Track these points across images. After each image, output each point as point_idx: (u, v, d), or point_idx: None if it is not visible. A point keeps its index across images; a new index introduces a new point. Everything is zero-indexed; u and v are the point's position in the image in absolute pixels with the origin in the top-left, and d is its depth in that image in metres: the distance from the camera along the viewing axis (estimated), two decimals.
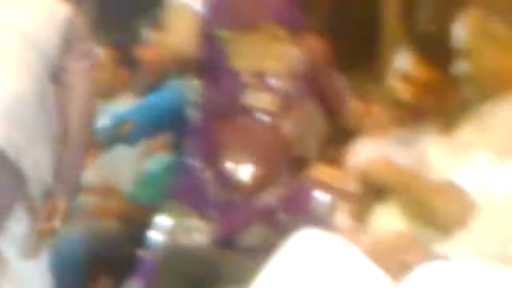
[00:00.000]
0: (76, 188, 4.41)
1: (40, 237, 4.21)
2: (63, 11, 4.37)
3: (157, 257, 3.82)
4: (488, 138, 3.51)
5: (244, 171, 3.93)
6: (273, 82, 4.02)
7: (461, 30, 3.66)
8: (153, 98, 4.94)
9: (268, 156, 3.98)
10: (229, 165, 3.93)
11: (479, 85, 3.64)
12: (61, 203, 4.20)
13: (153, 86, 4.90)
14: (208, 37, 3.96)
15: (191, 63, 4.05)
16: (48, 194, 4.28)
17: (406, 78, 4.05)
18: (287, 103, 4.07)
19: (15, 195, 4.19)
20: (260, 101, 3.98)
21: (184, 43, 4.00)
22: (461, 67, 3.63)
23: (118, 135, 4.52)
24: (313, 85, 4.20)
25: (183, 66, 4.10)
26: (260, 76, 3.99)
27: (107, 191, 5.49)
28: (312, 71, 4.12)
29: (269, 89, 4.01)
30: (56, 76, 4.30)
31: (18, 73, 4.18)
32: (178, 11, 4.02)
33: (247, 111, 3.96)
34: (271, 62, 4.06)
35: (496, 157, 3.42)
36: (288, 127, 4.13)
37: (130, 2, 5.92)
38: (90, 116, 4.42)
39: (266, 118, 4.00)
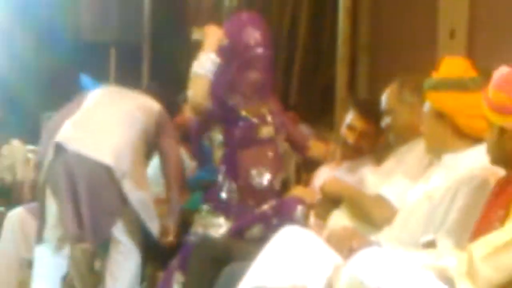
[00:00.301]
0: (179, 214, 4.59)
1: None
2: (157, 106, 4.66)
3: (195, 242, 3.88)
4: (403, 168, 3.64)
5: (263, 178, 4.03)
6: (268, 118, 4.12)
7: (385, 98, 3.76)
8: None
9: (274, 164, 4.10)
10: (253, 173, 4.02)
11: (397, 134, 3.76)
12: (171, 226, 4.51)
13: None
14: (221, 100, 4.07)
15: (207, 112, 4.11)
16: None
17: (350, 128, 4.13)
18: (277, 130, 4.17)
19: (119, 204, 4.39)
20: (266, 132, 4.09)
21: (199, 98, 4.07)
22: (385, 122, 3.77)
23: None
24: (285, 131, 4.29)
25: (201, 114, 4.16)
26: (262, 117, 4.09)
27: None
28: (283, 121, 4.24)
29: (268, 123, 4.11)
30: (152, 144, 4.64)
31: (130, 131, 4.46)
32: (196, 77, 4.09)
33: (259, 140, 4.09)
34: (264, 109, 4.14)
35: (408, 181, 3.53)
36: (281, 144, 4.25)
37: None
38: (181, 171, 4.71)
39: (270, 142, 4.12)
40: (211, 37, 4.08)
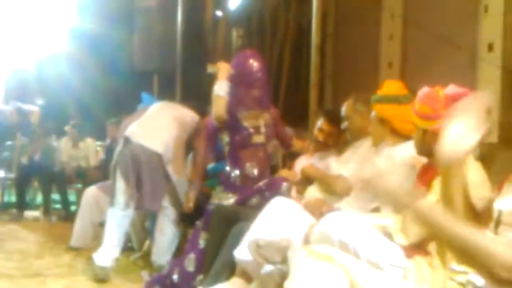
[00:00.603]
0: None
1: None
2: (197, 117, 4.76)
3: (212, 209, 3.80)
4: (356, 157, 3.61)
5: (254, 170, 4.03)
6: (262, 129, 4.09)
7: (344, 108, 3.72)
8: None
9: (263, 163, 4.07)
10: (247, 166, 4.00)
11: (352, 133, 3.72)
12: (192, 197, 4.58)
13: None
14: (232, 113, 4.05)
15: (224, 122, 4.07)
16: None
17: (320, 130, 4.08)
18: (267, 138, 4.11)
19: (167, 181, 4.45)
20: (258, 139, 4.09)
21: (221, 112, 4.00)
22: (344, 125, 3.74)
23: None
24: (276, 130, 4.25)
25: (222, 123, 4.12)
26: (256, 128, 4.08)
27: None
28: (275, 123, 4.22)
29: (260, 133, 4.09)
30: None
31: (175, 131, 4.53)
32: (218, 97, 4.03)
33: (253, 144, 4.07)
34: (259, 122, 4.10)
35: (358, 166, 3.49)
36: (270, 148, 4.21)
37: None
38: (204, 163, 4.82)
39: (261, 146, 4.08)
40: (223, 70, 4.07)
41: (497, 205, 1.93)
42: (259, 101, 4.11)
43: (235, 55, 4.33)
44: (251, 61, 4.13)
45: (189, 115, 4.77)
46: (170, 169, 4.48)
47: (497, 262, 1.50)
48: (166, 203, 4.55)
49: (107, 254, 4.40)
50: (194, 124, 4.72)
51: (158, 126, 4.61)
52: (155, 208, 4.55)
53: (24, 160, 7.75)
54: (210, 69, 4.14)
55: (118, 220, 4.47)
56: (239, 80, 4.07)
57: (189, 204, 4.58)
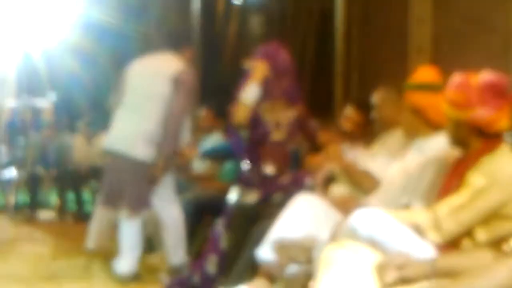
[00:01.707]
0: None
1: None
2: (178, 68, 4.34)
3: (233, 206, 3.84)
4: (385, 149, 3.61)
5: (270, 169, 3.94)
6: (284, 126, 4.02)
7: (375, 96, 3.72)
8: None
9: (281, 161, 3.99)
10: (264, 165, 3.93)
11: (382, 124, 3.72)
12: (160, 161, 4.31)
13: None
14: (255, 111, 3.92)
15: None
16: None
17: (347, 119, 4.08)
18: (288, 135, 4.04)
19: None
20: (277, 136, 4.03)
21: (242, 121, 3.86)
22: (373, 114, 3.74)
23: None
24: (301, 126, 4.13)
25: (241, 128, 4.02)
26: (277, 124, 4.02)
27: (209, 176, 5.38)
28: (300, 119, 4.11)
29: (281, 129, 4.03)
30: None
31: (155, 115, 4.30)
32: (243, 105, 3.83)
33: (271, 141, 3.99)
34: (282, 117, 4.04)
35: (388, 158, 3.49)
36: (291, 145, 4.17)
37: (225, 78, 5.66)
38: (179, 123, 4.36)
39: (280, 143, 4.02)
40: (258, 71, 3.86)
41: None
42: (287, 93, 4.03)
43: (260, 46, 4.24)
44: (282, 51, 4.07)
45: (166, 70, 4.35)
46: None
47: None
48: (168, 196, 4.49)
49: (126, 260, 4.41)
50: (174, 81, 4.30)
51: (131, 114, 4.38)
52: (142, 209, 4.43)
53: (37, 158, 7.83)
54: (246, 64, 3.99)
55: (130, 222, 4.48)
56: (269, 67, 3.94)
57: (156, 172, 4.33)
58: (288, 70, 4.02)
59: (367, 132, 4.01)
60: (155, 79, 4.37)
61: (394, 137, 3.58)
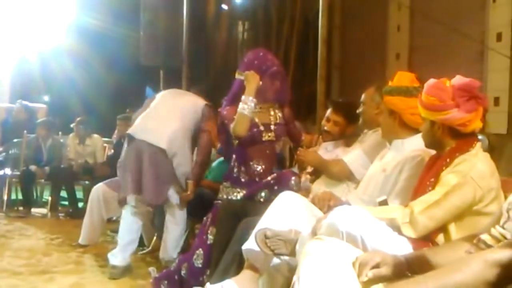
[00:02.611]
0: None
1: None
2: (202, 103, 4.66)
3: (221, 204, 3.84)
4: (362, 146, 3.66)
5: (258, 167, 3.97)
6: (272, 127, 4.01)
7: (364, 94, 3.70)
8: None
9: (269, 160, 4.00)
10: (252, 163, 3.93)
11: (365, 121, 3.72)
12: (190, 183, 4.53)
13: None
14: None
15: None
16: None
17: (327, 119, 4.09)
18: (277, 136, 4.04)
19: (173, 175, 4.45)
20: (268, 136, 4.01)
21: (241, 133, 3.81)
22: (360, 110, 3.72)
23: None
24: (287, 126, 4.15)
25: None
26: (268, 124, 4.01)
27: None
28: (286, 120, 4.15)
29: (270, 130, 4.00)
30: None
31: (180, 122, 4.51)
32: (242, 116, 3.79)
33: (263, 141, 3.98)
34: (272, 118, 4.04)
35: (365, 155, 3.58)
36: (278, 146, 4.19)
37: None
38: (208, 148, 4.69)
39: (270, 143, 4.01)
40: (251, 82, 3.87)
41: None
42: (279, 93, 4.04)
43: (248, 52, 4.23)
44: (270, 56, 4.06)
45: (195, 101, 4.71)
46: (175, 161, 4.45)
47: (478, 283, 1.59)
48: (172, 197, 4.54)
49: (121, 253, 4.46)
50: (200, 110, 4.64)
51: (162, 118, 4.56)
52: (157, 202, 4.54)
53: (31, 156, 7.79)
54: (238, 75, 3.97)
55: (131, 218, 4.54)
56: (260, 72, 3.94)
57: (188, 193, 4.53)
58: (278, 71, 4.03)
59: (345, 132, 4.03)
60: (185, 98, 4.83)
61: (373, 137, 3.62)
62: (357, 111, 3.76)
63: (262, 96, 3.93)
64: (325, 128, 4.10)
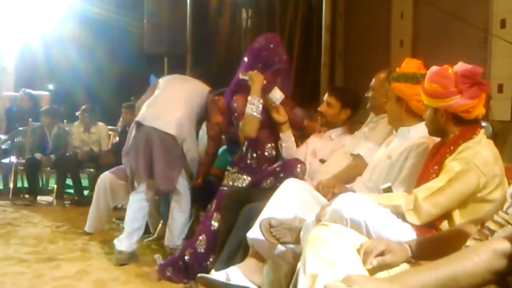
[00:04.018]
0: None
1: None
2: (206, 88, 4.71)
3: (226, 190, 3.85)
4: (372, 135, 3.63)
5: (273, 151, 3.98)
6: (281, 109, 3.95)
7: (374, 79, 3.68)
8: None
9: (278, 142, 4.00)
10: (268, 146, 3.97)
11: (373, 107, 3.71)
12: (200, 170, 4.68)
13: None
14: None
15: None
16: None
17: (323, 103, 4.04)
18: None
19: (182, 161, 4.50)
20: (279, 117, 3.95)
21: (250, 134, 3.91)
22: (369, 94, 3.71)
23: None
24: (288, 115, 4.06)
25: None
26: (276, 107, 3.95)
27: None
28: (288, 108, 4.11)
29: (280, 112, 3.95)
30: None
31: (187, 107, 4.54)
32: (250, 117, 3.84)
33: (272, 122, 3.97)
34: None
35: (374, 144, 3.53)
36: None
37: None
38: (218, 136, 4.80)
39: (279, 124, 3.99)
40: (256, 82, 3.89)
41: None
42: (281, 86, 4.02)
43: (259, 38, 4.21)
44: (280, 48, 4.07)
45: (199, 87, 4.76)
46: (185, 146, 4.51)
47: (486, 271, 1.61)
48: (180, 186, 4.56)
49: (127, 239, 4.48)
50: (205, 96, 4.70)
51: (169, 104, 4.59)
52: (169, 189, 4.57)
53: (36, 144, 7.80)
54: (242, 76, 3.97)
55: (137, 204, 4.56)
56: (264, 64, 3.97)
57: (198, 180, 4.62)
58: (282, 70, 4.04)
59: (338, 116, 3.98)
60: (195, 87, 4.78)
61: (382, 124, 3.60)
62: (365, 95, 3.74)
63: (265, 90, 3.93)
64: (319, 109, 4.06)
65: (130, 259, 4.44)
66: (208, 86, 4.81)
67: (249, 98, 3.88)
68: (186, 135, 4.52)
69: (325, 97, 4.08)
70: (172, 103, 4.59)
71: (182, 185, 4.59)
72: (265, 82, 3.91)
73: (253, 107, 3.85)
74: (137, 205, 4.57)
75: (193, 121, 4.65)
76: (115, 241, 4.48)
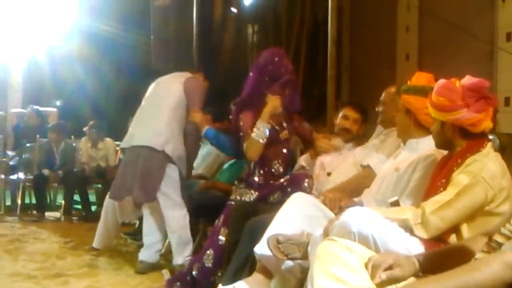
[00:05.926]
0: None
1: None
2: (181, 80, 4.71)
3: (233, 205, 3.84)
4: (383, 147, 3.65)
5: (280, 167, 3.96)
6: (284, 125, 4.00)
7: (384, 93, 3.70)
8: None
9: (287, 159, 4.03)
10: (275, 163, 3.93)
11: (384, 121, 3.73)
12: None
13: None
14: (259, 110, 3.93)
15: None
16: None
17: (345, 117, 4.11)
18: (290, 133, 4.07)
19: (163, 170, 4.56)
20: (284, 135, 4.02)
21: (253, 157, 3.92)
22: (379, 108, 3.72)
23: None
24: (295, 128, 4.16)
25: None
26: (280, 124, 4.00)
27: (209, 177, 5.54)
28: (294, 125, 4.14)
29: (284, 128, 4.01)
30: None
31: (162, 114, 4.64)
32: (255, 142, 3.82)
33: (280, 140, 3.99)
34: (281, 118, 4.01)
35: (385, 156, 3.55)
36: (292, 144, 4.21)
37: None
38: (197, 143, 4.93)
39: (286, 142, 4.04)
40: (268, 107, 3.89)
41: None
42: (288, 102, 4.03)
43: (263, 52, 4.24)
44: (285, 61, 4.07)
45: (173, 86, 4.74)
46: (169, 149, 4.54)
47: (496, 283, 1.62)
48: (165, 210, 4.59)
49: (147, 251, 4.66)
50: (181, 88, 4.67)
51: (145, 117, 4.74)
52: (147, 200, 4.61)
53: (44, 161, 7.83)
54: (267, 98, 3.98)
55: (150, 219, 4.72)
56: (271, 78, 3.97)
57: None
58: (289, 82, 4.04)
59: (360, 131, 4.07)
60: (168, 84, 4.81)
61: (392, 137, 3.61)
62: (376, 110, 3.76)
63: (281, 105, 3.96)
64: (346, 126, 4.09)
65: (150, 270, 4.56)
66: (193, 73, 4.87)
67: (257, 122, 3.89)
68: (168, 138, 4.57)
69: (345, 112, 4.13)
70: (147, 115, 4.73)
71: (169, 207, 4.60)
72: (280, 109, 3.94)
73: (259, 132, 3.86)
74: (150, 219, 4.71)
75: (176, 120, 4.66)
76: (140, 251, 4.71)
